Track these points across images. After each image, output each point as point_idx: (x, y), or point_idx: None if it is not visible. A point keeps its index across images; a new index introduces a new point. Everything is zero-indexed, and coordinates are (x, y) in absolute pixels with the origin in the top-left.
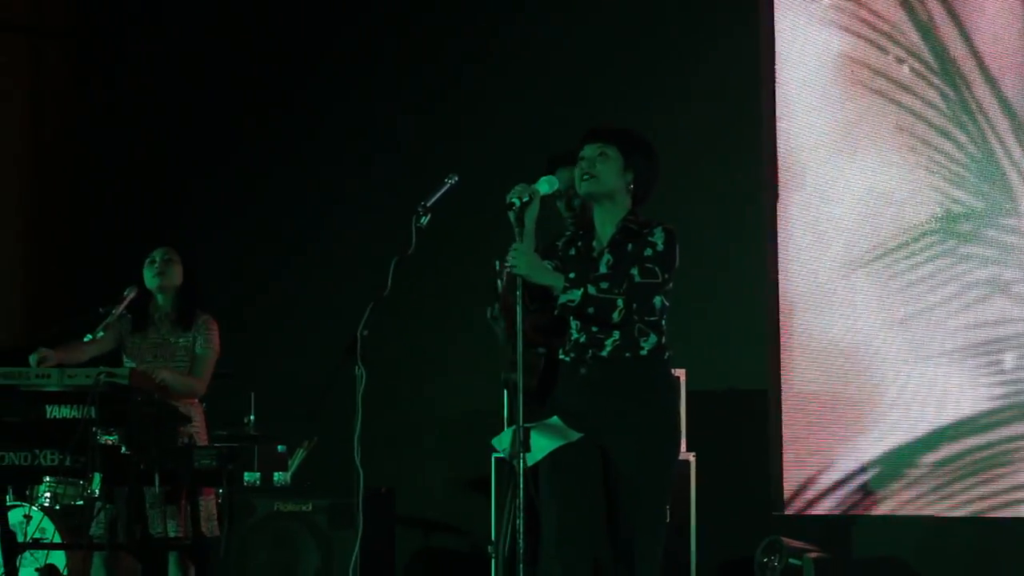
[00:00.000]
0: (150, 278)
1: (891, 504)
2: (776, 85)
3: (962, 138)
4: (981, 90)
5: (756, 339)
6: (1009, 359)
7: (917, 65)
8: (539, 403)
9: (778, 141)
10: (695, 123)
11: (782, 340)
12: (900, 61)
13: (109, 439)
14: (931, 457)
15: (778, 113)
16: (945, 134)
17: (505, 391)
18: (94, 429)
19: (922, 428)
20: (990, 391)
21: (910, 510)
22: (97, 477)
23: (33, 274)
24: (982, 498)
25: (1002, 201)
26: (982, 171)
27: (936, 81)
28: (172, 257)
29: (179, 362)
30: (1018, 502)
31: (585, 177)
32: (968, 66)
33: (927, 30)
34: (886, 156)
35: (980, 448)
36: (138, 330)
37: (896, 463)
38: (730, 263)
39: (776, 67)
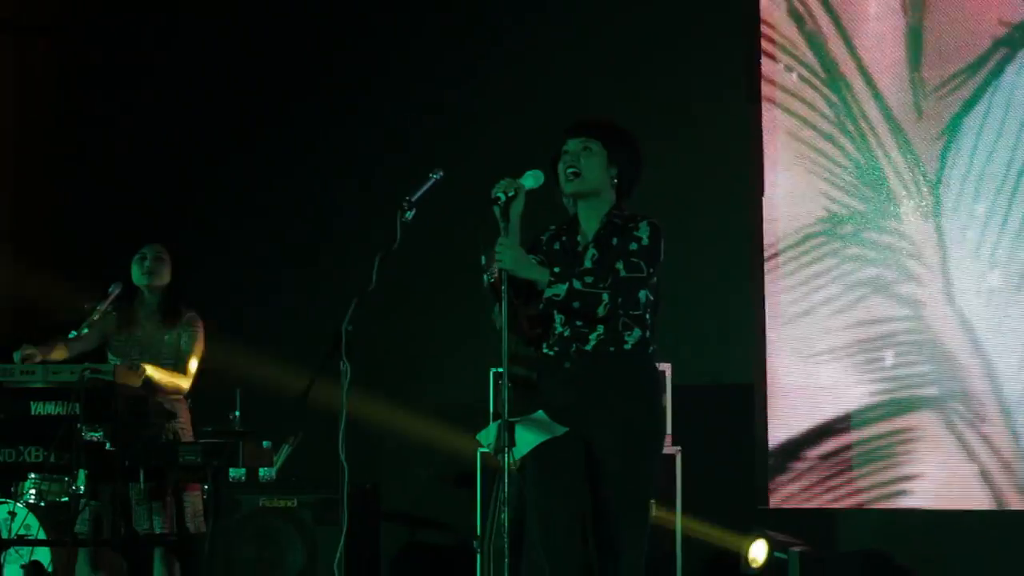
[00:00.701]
0: (139, 275)
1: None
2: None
3: (847, 144)
4: (864, 97)
5: (742, 332)
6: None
7: (805, 73)
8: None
9: None
10: (683, 115)
11: (768, 333)
12: (789, 69)
13: (94, 435)
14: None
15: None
16: (831, 139)
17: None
18: (79, 425)
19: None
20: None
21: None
22: (82, 473)
23: (19, 271)
24: (862, 491)
25: (883, 204)
26: (864, 176)
27: (824, 89)
28: (162, 256)
29: (165, 359)
30: (901, 493)
31: (570, 176)
32: (852, 74)
33: (814, 39)
34: (777, 161)
35: (863, 442)
36: (124, 327)
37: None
38: (716, 255)
39: None
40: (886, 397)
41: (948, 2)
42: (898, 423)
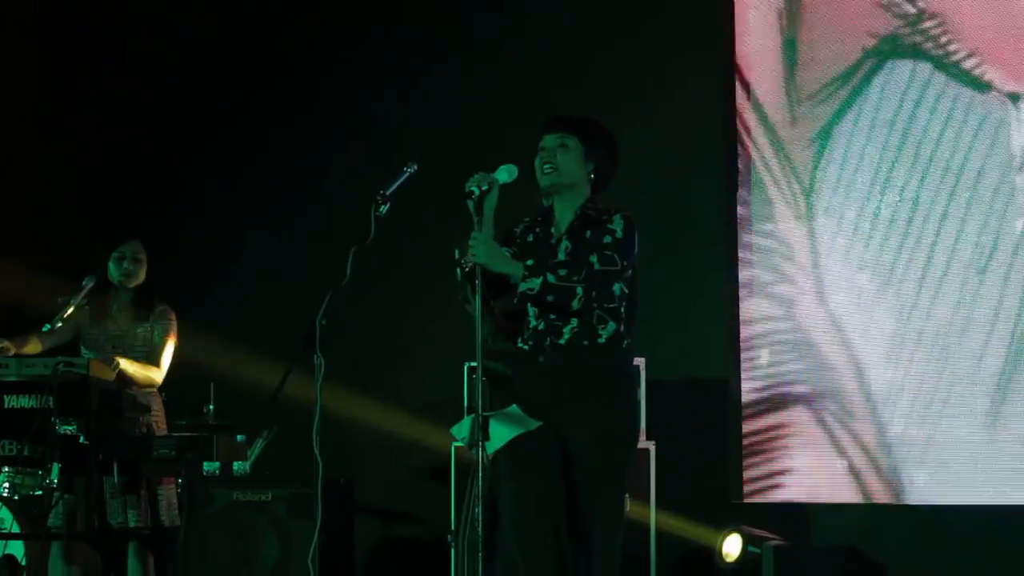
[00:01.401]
0: (116, 273)
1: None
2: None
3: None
4: (743, 103)
5: (717, 327)
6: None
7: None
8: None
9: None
10: (655, 112)
11: (742, 327)
12: None
13: (68, 429)
14: None
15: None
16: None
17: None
18: (52, 419)
19: None
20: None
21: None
22: (55, 467)
23: None
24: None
25: (760, 208)
26: (745, 180)
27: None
28: (140, 256)
29: (138, 352)
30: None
31: (547, 169)
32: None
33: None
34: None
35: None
36: (97, 320)
37: None
38: (690, 250)
39: None
40: (764, 395)
41: (822, 15)
42: (772, 419)
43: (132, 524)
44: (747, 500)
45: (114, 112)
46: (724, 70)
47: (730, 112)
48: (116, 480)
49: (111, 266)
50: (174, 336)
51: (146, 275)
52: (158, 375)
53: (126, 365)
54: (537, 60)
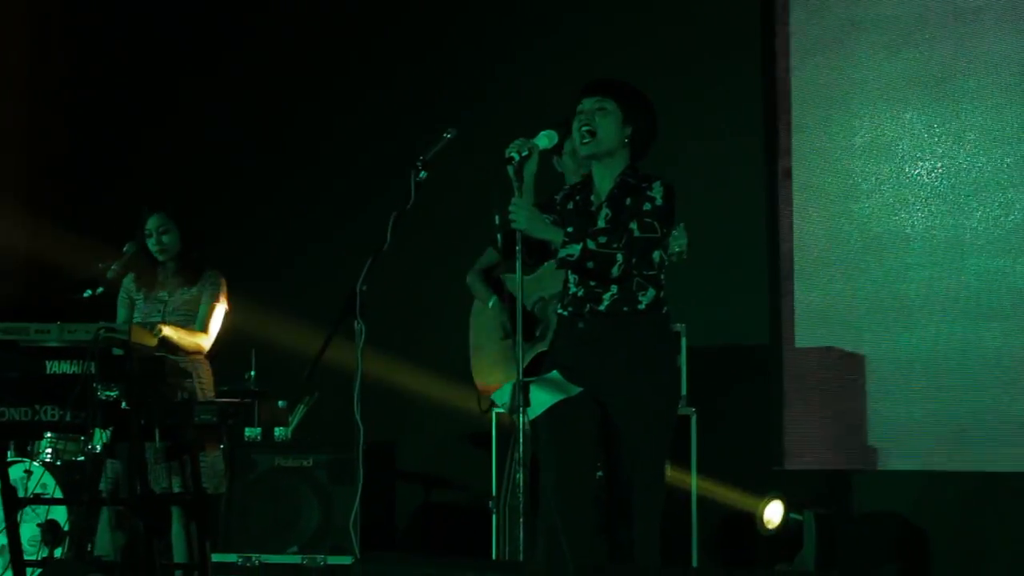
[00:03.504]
0: (151, 248)
1: (891, 459)
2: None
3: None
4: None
5: (758, 294)
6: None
7: None
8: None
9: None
10: (696, 76)
11: (783, 295)
12: None
13: (109, 395)
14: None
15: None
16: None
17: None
18: (94, 384)
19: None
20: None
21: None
22: (98, 433)
23: (34, 231)
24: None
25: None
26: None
27: None
28: (167, 227)
29: (180, 315)
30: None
31: (586, 139)
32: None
33: None
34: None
35: None
36: (146, 291)
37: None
38: (731, 217)
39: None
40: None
41: None
42: (814, 385)
43: (175, 490)
44: (788, 467)
45: (162, 77)
46: (765, 32)
47: (770, 73)
48: (158, 446)
49: (147, 242)
50: (223, 301)
51: (184, 242)
52: (205, 340)
53: (170, 332)
54: (577, 24)
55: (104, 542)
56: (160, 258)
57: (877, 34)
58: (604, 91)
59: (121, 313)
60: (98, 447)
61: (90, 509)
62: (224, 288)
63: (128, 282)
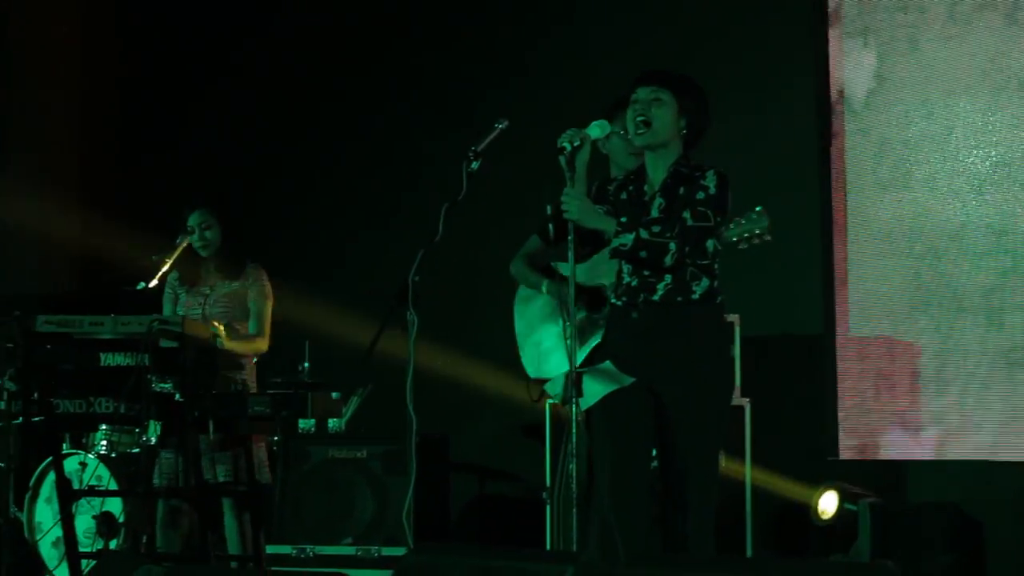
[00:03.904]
0: (194, 243)
1: (946, 449)
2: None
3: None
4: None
5: (811, 284)
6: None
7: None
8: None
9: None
10: (749, 63)
11: (837, 285)
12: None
13: (164, 387)
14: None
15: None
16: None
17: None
18: (148, 376)
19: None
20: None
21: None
22: (152, 425)
23: (86, 223)
24: None
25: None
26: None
27: None
28: (209, 222)
29: (221, 307)
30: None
31: (640, 130)
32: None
33: None
34: None
35: None
36: (189, 286)
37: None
38: (784, 206)
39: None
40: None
41: None
42: (869, 375)
43: (226, 480)
44: (843, 457)
45: (212, 71)
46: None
47: (823, 61)
48: (212, 437)
49: (190, 238)
50: (270, 295)
51: (224, 236)
52: (263, 343)
53: (232, 345)
54: (629, 12)
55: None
56: (203, 253)
57: (930, 21)
58: (660, 81)
59: (167, 308)
60: (152, 439)
61: (146, 501)
62: (268, 283)
63: (172, 279)
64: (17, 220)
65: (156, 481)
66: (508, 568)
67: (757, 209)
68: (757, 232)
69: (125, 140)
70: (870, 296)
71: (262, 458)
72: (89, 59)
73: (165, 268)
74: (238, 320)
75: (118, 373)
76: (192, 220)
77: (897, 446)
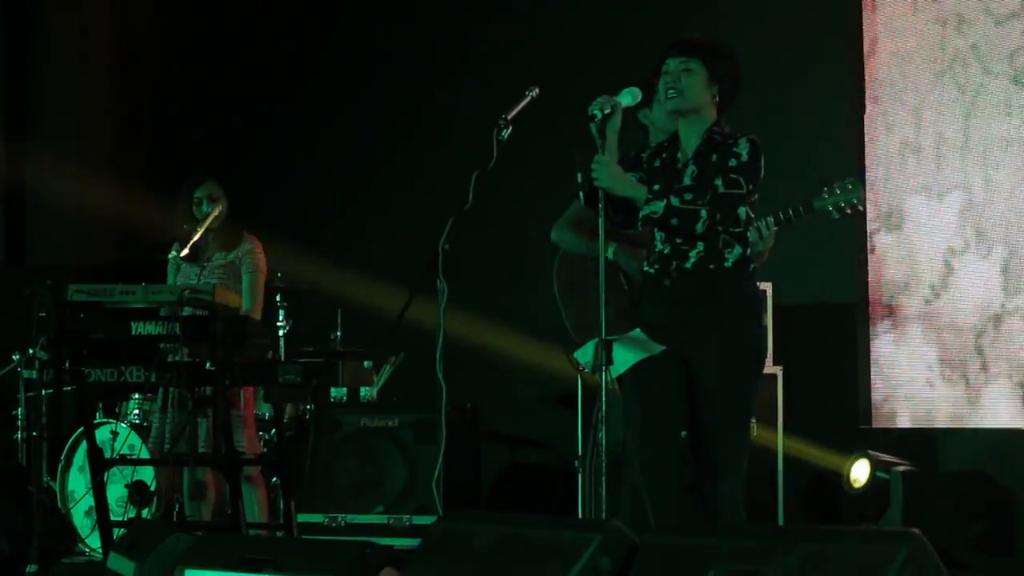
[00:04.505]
0: (199, 215)
1: (976, 417)
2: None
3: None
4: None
5: (845, 252)
6: None
7: None
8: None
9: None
10: (782, 30)
11: (871, 252)
12: None
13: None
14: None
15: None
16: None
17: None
18: (179, 345)
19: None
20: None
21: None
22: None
23: (121, 194)
24: None
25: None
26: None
27: None
28: (216, 195)
29: (217, 277)
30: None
31: (671, 93)
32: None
33: None
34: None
35: None
36: (189, 255)
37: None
38: (818, 173)
39: None
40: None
41: None
42: (902, 343)
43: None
44: (875, 425)
45: (243, 41)
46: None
47: (857, 26)
48: (243, 406)
49: (194, 210)
50: (262, 268)
51: (230, 209)
52: (253, 312)
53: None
54: None
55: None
56: (211, 225)
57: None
58: (689, 51)
59: (169, 280)
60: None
61: (176, 468)
62: (262, 255)
63: (175, 249)
64: (54, 192)
65: (166, 447)
66: (536, 535)
67: (850, 179)
68: (853, 202)
69: (160, 110)
70: (904, 263)
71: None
72: (124, 32)
73: (197, 237)
74: (232, 289)
75: (149, 342)
76: (199, 192)
77: (929, 414)
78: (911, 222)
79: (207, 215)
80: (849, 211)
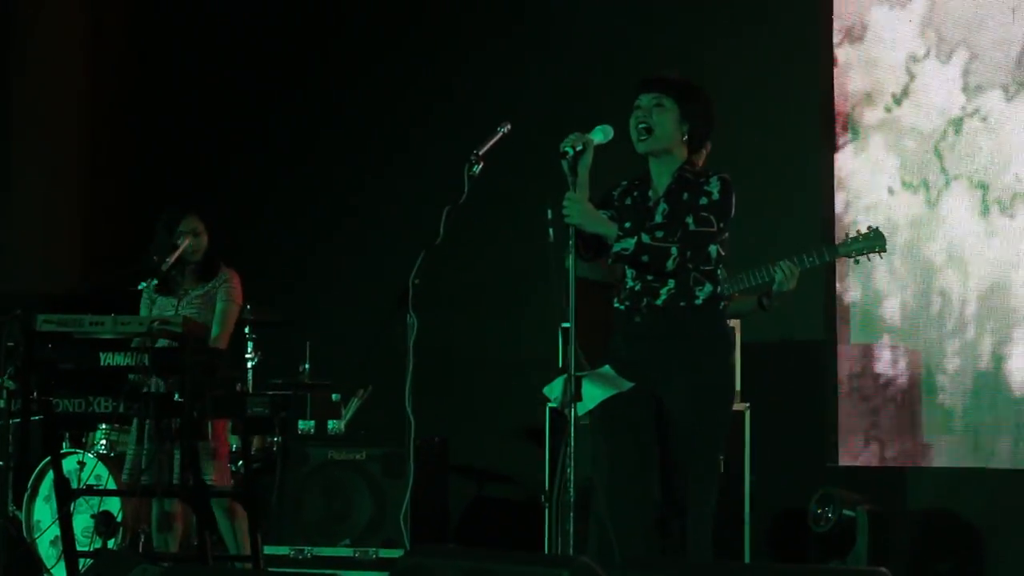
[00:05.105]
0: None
1: (945, 457)
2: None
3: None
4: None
5: (813, 292)
6: None
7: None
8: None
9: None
10: (750, 68)
11: (838, 291)
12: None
13: (163, 387)
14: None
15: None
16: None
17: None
18: (148, 377)
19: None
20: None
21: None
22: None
23: (89, 223)
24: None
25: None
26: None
27: None
28: (198, 229)
29: (194, 308)
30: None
31: (643, 136)
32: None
33: None
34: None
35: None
36: (164, 288)
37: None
38: (785, 213)
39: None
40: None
41: None
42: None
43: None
44: (842, 463)
45: (212, 69)
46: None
47: (827, 65)
48: (210, 439)
49: (177, 243)
50: (238, 300)
51: (210, 243)
52: (221, 339)
53: None
54: (632, 19)
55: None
56: (191, 259)
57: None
58: (662, 88)
59: (143, 312)
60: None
61: (145, 500)
62: (238, 287)
63: (149, 287)
64: (22, 218)
65: (147, 479)
66: (504, 571)
67: (874, 228)
68: (876, 250)
69: (131, 139)
70: (871, 303)
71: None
72: (96, 55)
73: (166, 269)
74: (210, 321)
75: (117, 373)
76: (183, 226)
77: (897, 453)
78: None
79: (177, 247)
80: (870, 256)
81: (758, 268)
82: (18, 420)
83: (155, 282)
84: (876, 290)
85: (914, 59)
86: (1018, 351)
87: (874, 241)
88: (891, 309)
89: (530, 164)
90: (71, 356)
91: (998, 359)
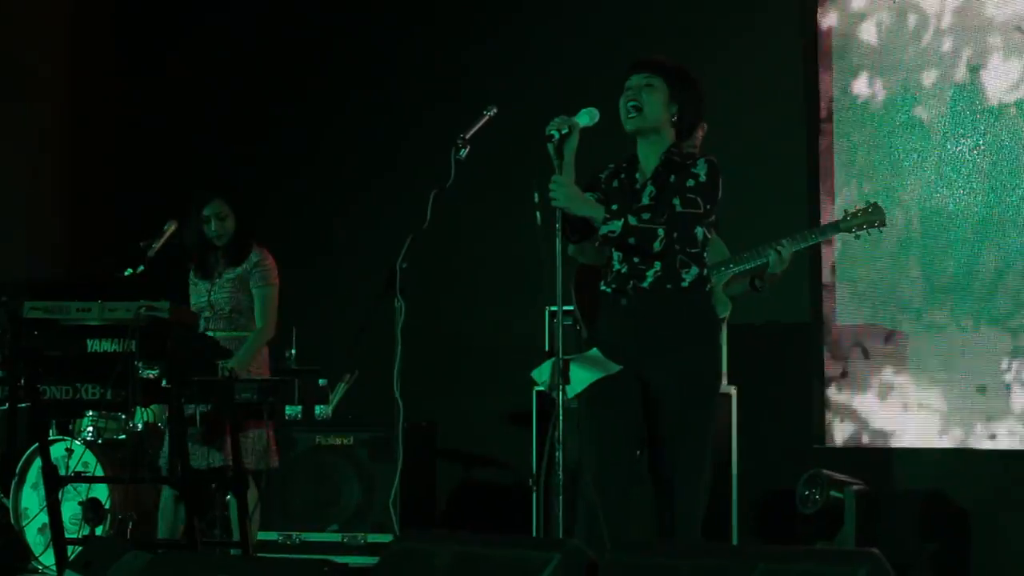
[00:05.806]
0: (208, 234)
1: (933, 437)
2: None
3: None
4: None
5: (799, 273)
6: None
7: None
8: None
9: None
10: (738, 55)
11: (824, 273)
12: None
13: (151, 373)
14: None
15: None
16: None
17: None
18: (135, 363)
19: None
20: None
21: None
22: (139, 411)
23: (76, 210)
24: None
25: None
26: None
27: None
28: (223, 212)
29: (225, 292)
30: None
31: (632, 114)
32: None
33: None
34: None
35: None
36: (200, 275)
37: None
38: (772, 194)
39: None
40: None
41: None
42: (855, 364)
43: (217, 464)
44: (829, 444)
45: (200, 58)
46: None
47: (811, 55)
48: (198, 424)
49: (204, 228)
50: (274, 280)
51: (239, 225)
52: (266, 330)
53: (236, 363)
54: (618, 1)
55: (163, 525)
56: (218, 243)
57: (920, 9)
58: (652, 68)
59: (192, 298)
60: (139, 425)
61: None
62: (273, 267)
63: (192, 272)
64: (5, 204)
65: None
66: (494, 555)
67: (873, 202)
68: (875, 224)
69: (118, 125)
70: (857, 283)
71: (257, 445)
72: (79, 40)
73: (152, 254)
74: (244, 304)
75: (105, 359)
76: (208, 210)
77: (884, 434)
78: None
79: (164, 233)
80: (868, 230)
81: (758, 248)
82: (5, 407)
83: (193, 267)
84: (863, 270)
85: None
86: (1008, 328)
87: (873, 215)
88: (878, 289)
89: (516, 147)
90: (58, 343)
91: (985, 339)
